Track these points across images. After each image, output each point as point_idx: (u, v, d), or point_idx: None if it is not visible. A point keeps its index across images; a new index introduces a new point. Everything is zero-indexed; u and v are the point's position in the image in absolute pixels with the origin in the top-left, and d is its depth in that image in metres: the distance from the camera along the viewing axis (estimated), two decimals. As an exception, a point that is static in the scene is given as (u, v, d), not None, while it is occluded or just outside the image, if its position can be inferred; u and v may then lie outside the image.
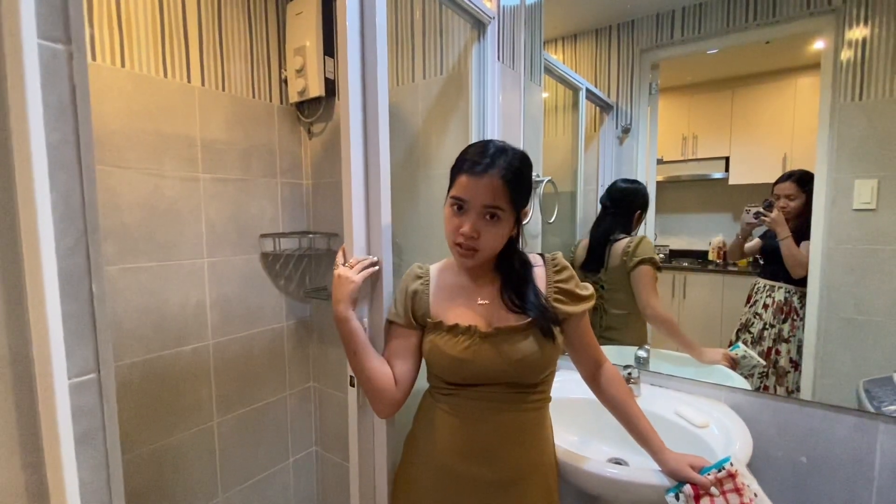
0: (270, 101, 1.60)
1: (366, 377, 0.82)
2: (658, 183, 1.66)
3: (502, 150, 0.77)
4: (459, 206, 0.78)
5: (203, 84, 1.41)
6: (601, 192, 1.81)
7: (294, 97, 1.59)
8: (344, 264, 0.85)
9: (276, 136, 1.62)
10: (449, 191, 0.80)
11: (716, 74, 1.72)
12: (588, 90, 1.71)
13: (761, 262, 1.34)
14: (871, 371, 1.06)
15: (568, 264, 0.87)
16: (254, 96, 1.54)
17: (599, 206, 1.54)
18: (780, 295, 1.23)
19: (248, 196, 1.54)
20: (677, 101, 1.74)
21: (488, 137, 1.23)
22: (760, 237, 1.35)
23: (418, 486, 0.84)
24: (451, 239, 0.80)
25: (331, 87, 1.54)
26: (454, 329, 0.81)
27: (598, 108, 1.78)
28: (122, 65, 1.23)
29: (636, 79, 1.68)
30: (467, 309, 0.83)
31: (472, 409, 0.81)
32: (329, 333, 1.73)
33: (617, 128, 1.74)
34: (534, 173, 1.35)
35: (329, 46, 1.51)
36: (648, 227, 1.70)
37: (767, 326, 1.23)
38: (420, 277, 0.87)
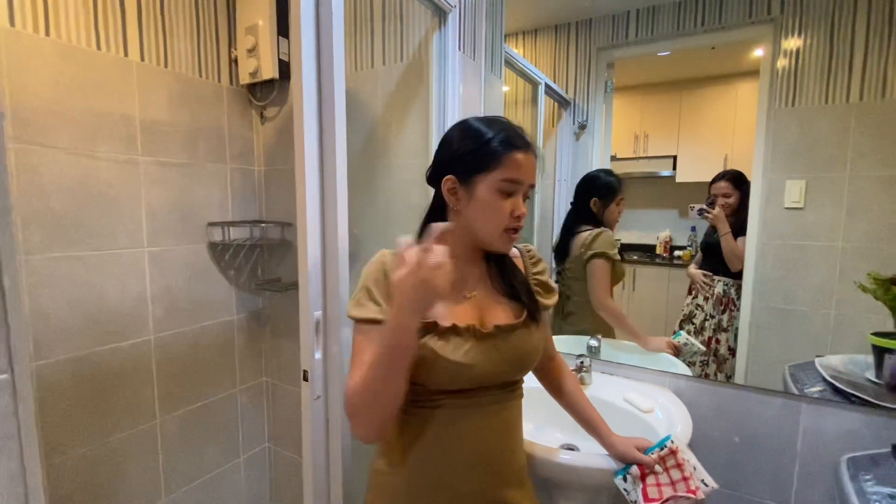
0: (219, 81, 1.51)
1: (392, 400, 0.65)
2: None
3: (517, 124, 0.72)
4: (510, 190, 0.68)
5: (142, 59, 1.30)
6: (558, 186, 1.86)
7: (245, 78, 1.51)
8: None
9: (226, 119, 1.53)
10: (483, 171, 0.68)
11: (666, 76, 1.80)
12: (547, 85, 1.73)
13: (701, 256, 1.43)
14: (796, 356, 1.15)
15: (541, 256, 0.86)
16: (200, 75, 1.45)
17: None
18: (719, 287, 1.31)
19: (194, 182, 1.45)
20: (631, 100, 1.80)
21: (446, 127, 1.22)
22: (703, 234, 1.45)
23: None
24: (503, 224, 0.69)
25: (285, 69, 1.47)
26: (453, 331, 0.69)
27: (556, 103, 1.81)
28: (47, 33, 1.12)
29: (593, 76, 1.72)
30: (456, 304, 0.72)
31: (464, 417, 0.71)
32: (283, 326, 1.68)
33: (574, 124, 1.78)
34: (493, 166, 1.37)
35: (283, 26, 1.44)
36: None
37: (708, 317, 1.32)
38: (383, 260, 0.72)
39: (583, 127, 1.77)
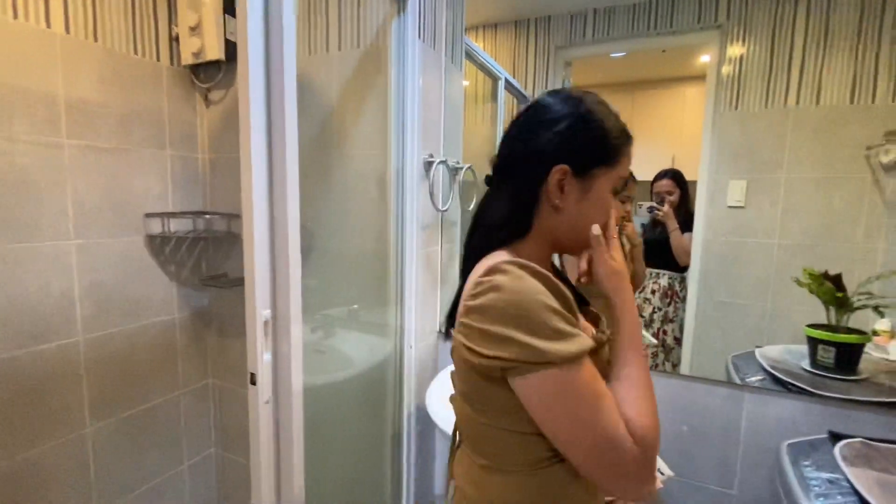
0: (158, 59, 1.39)
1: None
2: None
3: None
4: (621, 188, 0.60)
5: (67, 31, 1.17)
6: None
7: (188, 58, 1.40)
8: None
9: (165, 102, 1.41)
10: (603, 164, 0.57)
11: (620, 77, 1.85)
12: (507, 81, 1.73)
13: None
14: (737, 347, 1.21)
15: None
16: (136, 52, 1.33)
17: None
18: (664, 281, 1.38)
19: (128, 169, 1.33)
20: (587, 99, 1.83)
21: (407, 120, 1.19)
22: (643, 231, 1.49)
23: None
24: (608, 228, 0.59)
25: (232, 50, 1.38)
26: (602, 343, 0.58)
27: (515, 99, 1.81)
28: (-51, -5, 0.98)
29: (551, 74, 1.74)
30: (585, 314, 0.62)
31: (563, 482, 0.57)
32: (230, 324, 1.58)
33: (533, 120, 1.80)
34: (454, 160, 1.35)
35: (231, 3, 1.34)
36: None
37: (656, 310, 1.38)
38: (539, 270, 0.53)
39: (542, 124, 1.79)
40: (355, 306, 1.32)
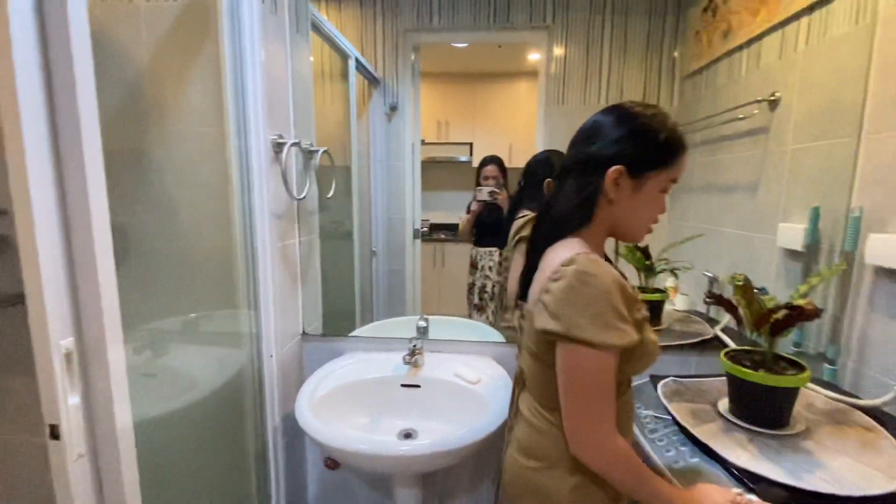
0: None
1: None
2: (422, 162, 1.77)
3: None
4: (668, 189, 0.72)
5: None
6: (373, 167, 1.81)
7: None
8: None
9: None
10: (660, 167, 0.69)
11: (464, 68, 1.93)
12: (358, 61, 1.64)
13: (474, 234, 1.64)
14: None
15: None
16: None
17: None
18: (496, 256, 1.56)
19: None
20: (435, 87, 1.87)
21: (249, 94, 1.02)
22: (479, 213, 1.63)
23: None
24: (653, 219, 0.74)
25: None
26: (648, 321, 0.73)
27: (367, 81, 1.74)
28: None
29: (401, 58, 1.71)
30: None
31: (627, 406, 0.78)
32: (8, 355, 1.18)
33: (385, 104, 1.75)
34: (307, 142, 1.22)
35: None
36: (415, 204, 1.80)
37: (494, 283, 1.55)
38: (612, 272, 0.67)
39: (394, 108, 1.76)
40: (193, 315, 1.11)
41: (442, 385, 1.14)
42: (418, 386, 1.16)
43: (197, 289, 1.11)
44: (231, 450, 1.10)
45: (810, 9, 1.16)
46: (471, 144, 1.96)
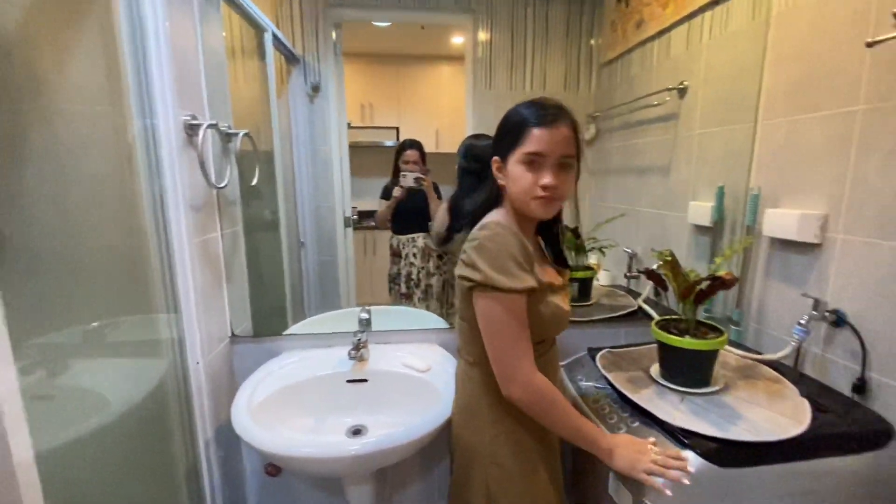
0: None
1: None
2: (349, 147, 1.70)
3: (556, 102, 0.79)
4: (533, 161, 0.77)
5: None
6: (297, 152, 1.69)
7: None
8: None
9: None
10: (512, 148, 0.78)
11: (387, 49, 1.86)
12: (275, 36, 1.51)
13: (392, 221, 1.62)
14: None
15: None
16: None
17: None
18: (420, 242, 1.55)
19: None
20: (358, 68, 1.79)
21: (153, 68, 0.89)
22: (388, 199, 1.62)
23: (541, 461, 0.87)
24: (529, 194, 0.78)
25: None
26: (557, 287, 0.86)
27: (285, 58, 1.61)
28: None
29: (321, 35, 1.61)
30: (543, 268, 0.85)
31: (549, 363, 0.89)
32: None
33: (306, 84, 1.64)
34: (225, 124, 1.09)
35: None
36: (344, 191, 1.72)
37: (419, 269, 1.54)
38: (516, 234, 0.79)
39: (316, 89, 1.66)
40: (96, 324, 0.96)
41: (390, 377, 1.11)
42: (365, 380, 1.11)
43: (99, 293, 0.96)
44: (158, 471, 0.98)
45: (713, 3, 1.27)
46: (397, 129, 1.90)
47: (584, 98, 1.80)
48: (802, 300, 1.04)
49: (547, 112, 0.77)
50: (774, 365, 1.03)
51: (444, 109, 1.93)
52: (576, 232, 1.48)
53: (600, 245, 1.51)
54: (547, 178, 0.76)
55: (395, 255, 1.60)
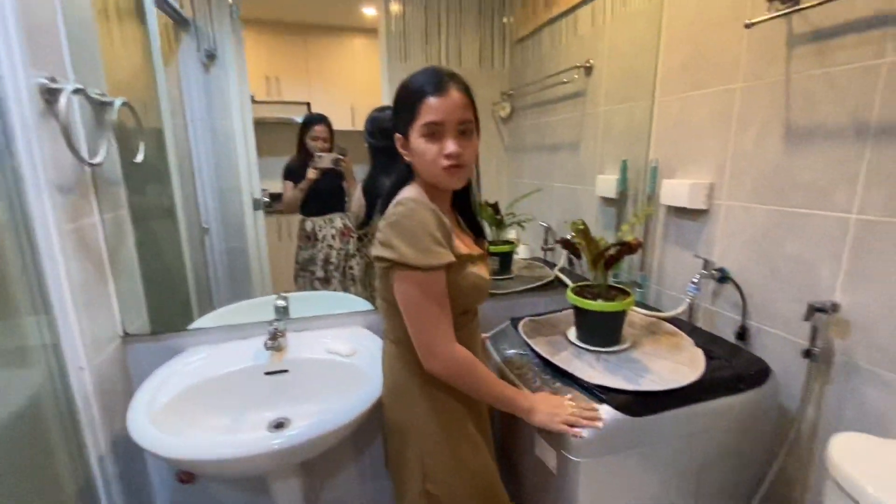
0: None
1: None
2: (255, 123, 1.56)
3: (446, 70, 0.77)
4: (433, 131, 0.75)
5: None
6: (193, 128, 1.52)
7: None
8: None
9: None
10: (411, 122, 0.76)
11: (293, 17, 1.72)
12: (157, -8, 1.32)
13: (304, 204, 1.50)
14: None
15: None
16: None
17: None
18: (339, 223, 1.46)
19: None
20: (261, 37, 1.64)
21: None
22: (294, 180, 1.51)
23: (471, 434, 0.87)
24: (436, 165, 0.76)
25: None
26: (476, 258, 0.85)
27: (173, 22, 1.41)
28: None
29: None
30: (461, 239, 0.85)
31: (473, 335, 0.90)
32: None
33: (199, 51, 1.46)
34: (97, 91, 0.93)
35: None
36: (252, 171, 1.58)
37: (338, 251, 1.45)
38: (432, 209, 0.77)
39: (211, 57, 1.49)
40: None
41: (313, 365, 1.05)
42: (286, 371, 1.05)
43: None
44: (41, 498, 0.84)
45: (614, -17, 1.34)
46: (308, 104, 1.78)
47: (498, 75, 1.81)
48: (695, 261, 1.16)
49: (439, 80, 0.74)
50: (673, 321, 1.14)
51: (359, 84, 1.84)
52: (495, 207, 1.51)
53: (519, 220, 1.55)
54: (450, 147, 0.74)
55: (309, 237, 1.49)
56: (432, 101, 0.73)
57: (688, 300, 1.12)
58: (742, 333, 1.06)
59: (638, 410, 0.82)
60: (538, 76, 1.69)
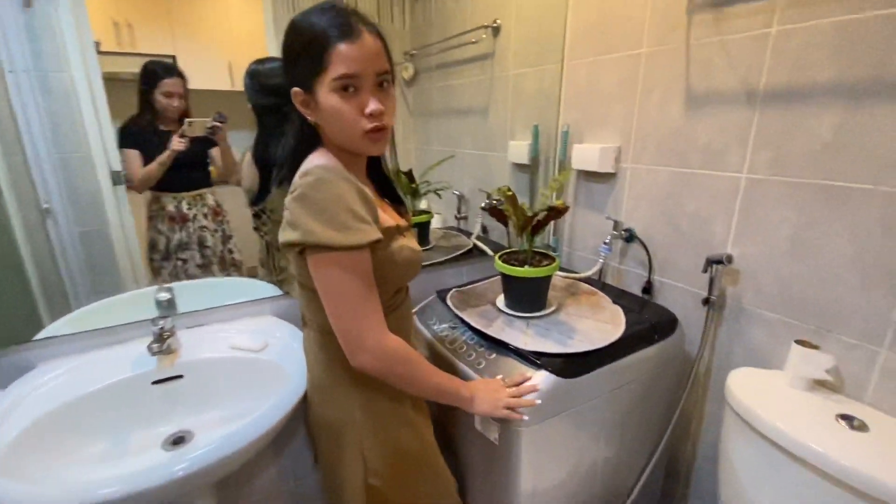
0: None
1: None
2: (104, 79, 1.25)
3: (348, 7, 0.63)
4: (347, 85, 0.62)
5: None
6: (14, 78, 1.16)
7: None
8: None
9: None
10: (316, 75, 0.62)
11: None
12: None
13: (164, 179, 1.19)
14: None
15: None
16: None
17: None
18: (210, 200, 1.22)
19: None
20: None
21: None
22: (140, 149, 1.18)
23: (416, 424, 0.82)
24: (356, 128, 0.65)
25: None
26: (404, 229, 0.77)
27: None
28: None
29: None
30: (383, 210, 0.75)
31: (407, 316, 0.84)
32: None
33: (9, -24, 1.11)
34: None
35: None
36: (104, 136, 1.28)
37: (213, 232, 1.22)
38: (348, 178, 0.65)
39: (31, -12, 1.14)
40: None
41: (215, 365, 0.90)
42: (180, 377, 0.88)
43: None
44: None
45: (520, -61, 1.29)
46: (173, 58, 1.48)
47: (399, 33, 1.69)
48: (605, 223, 1.21)
49: (346, 21, 0.61)
50: (589, 281, 1.19)
51: (239, 38, 1.57)
52: (410, 175, 1.43)
53: (435, 188, 1.49)
54: (373, 104, 0.63)
55: (176, 219, 1.21)
56: (343, 48, 0.60)
57: (601, 260, 1.18)
58: (648, 288, 1.15)
59: (573, 372, 0.84)
60: (443, 35, 1.61)
